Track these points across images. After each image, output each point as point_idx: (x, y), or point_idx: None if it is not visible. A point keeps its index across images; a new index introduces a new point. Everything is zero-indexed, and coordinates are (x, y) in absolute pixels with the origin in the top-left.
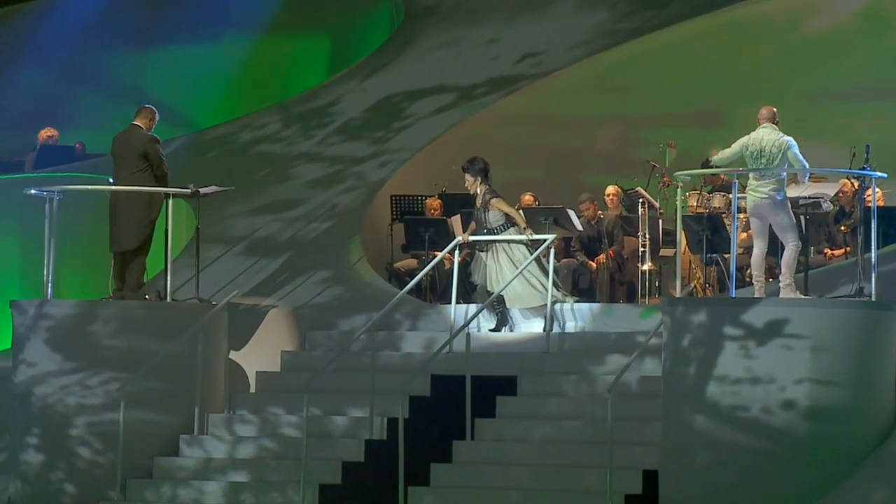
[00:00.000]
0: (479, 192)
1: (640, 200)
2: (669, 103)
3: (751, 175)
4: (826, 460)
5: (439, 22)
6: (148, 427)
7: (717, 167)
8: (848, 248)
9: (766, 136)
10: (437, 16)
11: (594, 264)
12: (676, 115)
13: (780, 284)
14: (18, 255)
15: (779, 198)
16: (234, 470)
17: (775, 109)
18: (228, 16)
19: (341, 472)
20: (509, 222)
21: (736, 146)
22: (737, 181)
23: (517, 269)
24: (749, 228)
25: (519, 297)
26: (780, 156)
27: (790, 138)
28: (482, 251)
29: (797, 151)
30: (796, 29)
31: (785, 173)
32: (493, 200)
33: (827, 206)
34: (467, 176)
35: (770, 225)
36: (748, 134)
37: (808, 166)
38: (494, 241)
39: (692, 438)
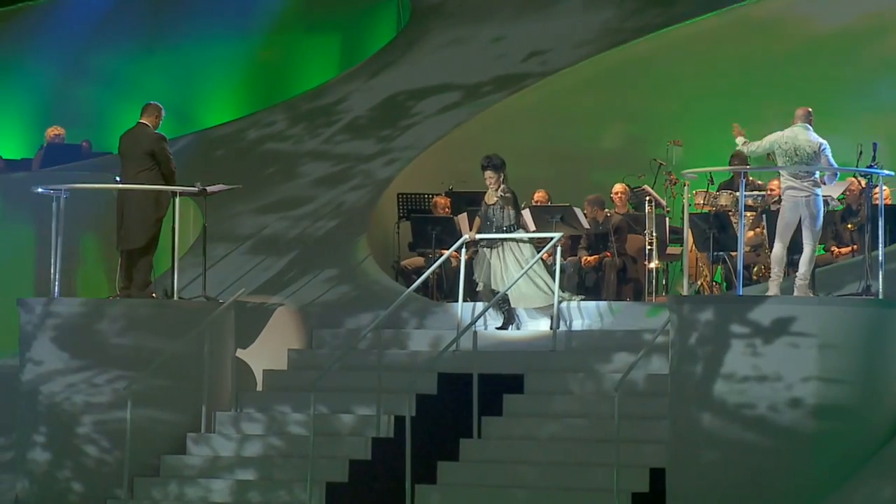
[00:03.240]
0: (498, 189)
1: (648, 199)
2: (676, 101)
3: (785, 174)
4: (833, 458)
5: (445, 20)
6: (155, 425)
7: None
8: (855, 247)
9: (800, 134)
10: (443, 14)
11: (591, 259)
12: (682, 113)
13: (797, 282)
14: (34, 253)
15: (818, 193)
16: (241, 468)
17: (811, 110)
18: (237, 13)
19: (348, 471)
20: (519, 223)
21: (766, 141)
22: (744, 179)
23: (523, 268)
24: (756, 227)
25: (524, 297)
26: (813, 156)
27: (825, 141)
28: (487, 248)
29: (829, 155)
30: (803, 27)
31: (818, 172)
32: (510, 205)
33: (834, 205)
34: (490, 173)
35: (799, 223)
36: (780, 130)
37: (837, 172)
38: (501, 240)
39: (699, 436)
